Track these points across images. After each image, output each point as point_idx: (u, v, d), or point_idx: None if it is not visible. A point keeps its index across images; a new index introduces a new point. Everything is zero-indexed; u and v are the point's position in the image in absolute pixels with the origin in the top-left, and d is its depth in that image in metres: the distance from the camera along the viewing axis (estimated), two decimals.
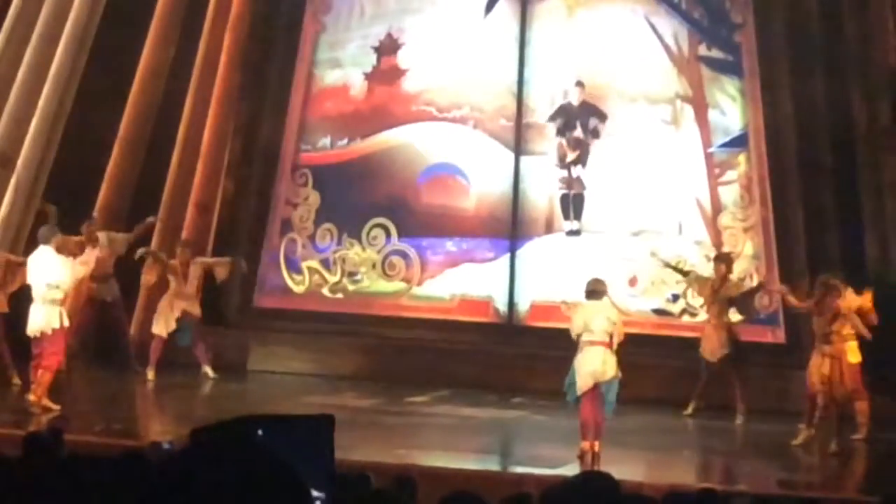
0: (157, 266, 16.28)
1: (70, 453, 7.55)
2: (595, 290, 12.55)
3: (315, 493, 6.48)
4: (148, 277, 16.42)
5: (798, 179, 16.42)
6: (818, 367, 13.26)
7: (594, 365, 12.07)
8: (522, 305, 17.28)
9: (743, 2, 17.18)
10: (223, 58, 17.95)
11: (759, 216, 16.65)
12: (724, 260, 15.44)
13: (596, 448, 12.03)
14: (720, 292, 14.99)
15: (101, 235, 15.81)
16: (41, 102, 16.86)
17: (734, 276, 15.53)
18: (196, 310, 16.17)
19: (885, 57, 16.38)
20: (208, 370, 16.11)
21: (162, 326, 16.01)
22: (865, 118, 16.26)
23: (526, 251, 17.34)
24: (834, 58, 16.41)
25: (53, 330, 13.39)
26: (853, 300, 13.64)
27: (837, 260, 15.57)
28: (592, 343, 12.12)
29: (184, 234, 17.20)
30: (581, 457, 12.02)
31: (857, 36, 16.47)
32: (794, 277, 15.90)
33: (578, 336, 12.21)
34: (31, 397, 13.33)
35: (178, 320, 16.00)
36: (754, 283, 16.02)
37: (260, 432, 7.57)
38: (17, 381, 14.56)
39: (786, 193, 16.50)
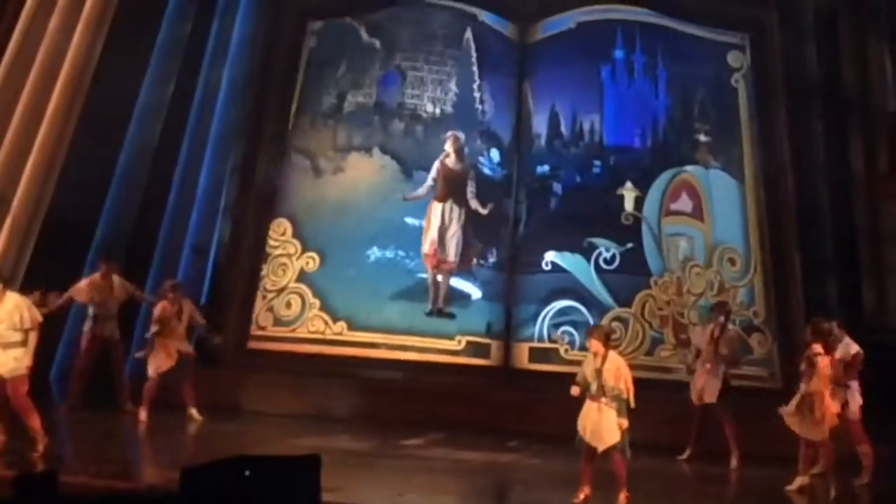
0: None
1: (63, 495, 7.48)
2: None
3: None
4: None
5: (796, 225, 16.42)
6: None
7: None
8: (518, 348, 17.26)
9: (741, 46, 17.26)
10: (221, 97, 17.98)
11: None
12: (722, 309, 15.34)
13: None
14: (719, 341, 14.86)
15: (115, 278, 16.20)
16: (38, 143, 16.86)
17: (732, 327, 15.40)
18: (189, 348, 16.18)
19: (883, 103, 16.42)
20: (194, 412, 15.97)
21: (155, 367, 15.92)
22: (863, 165, 16.29)
23: (521, 290, 17.38)
24: (832, 104, 16.45)
25: None
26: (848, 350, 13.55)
27: (835, 306, 15.54)
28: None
29: (179, 276, 17.19)
30: None
31: (856, 82, 16.52)
32: (792, 322, 15.86)
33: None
34: None
35: (177, 360, 15.96)
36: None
37: (248, 472, 7.58)
38: None
39: (783, 238, 16.48)
